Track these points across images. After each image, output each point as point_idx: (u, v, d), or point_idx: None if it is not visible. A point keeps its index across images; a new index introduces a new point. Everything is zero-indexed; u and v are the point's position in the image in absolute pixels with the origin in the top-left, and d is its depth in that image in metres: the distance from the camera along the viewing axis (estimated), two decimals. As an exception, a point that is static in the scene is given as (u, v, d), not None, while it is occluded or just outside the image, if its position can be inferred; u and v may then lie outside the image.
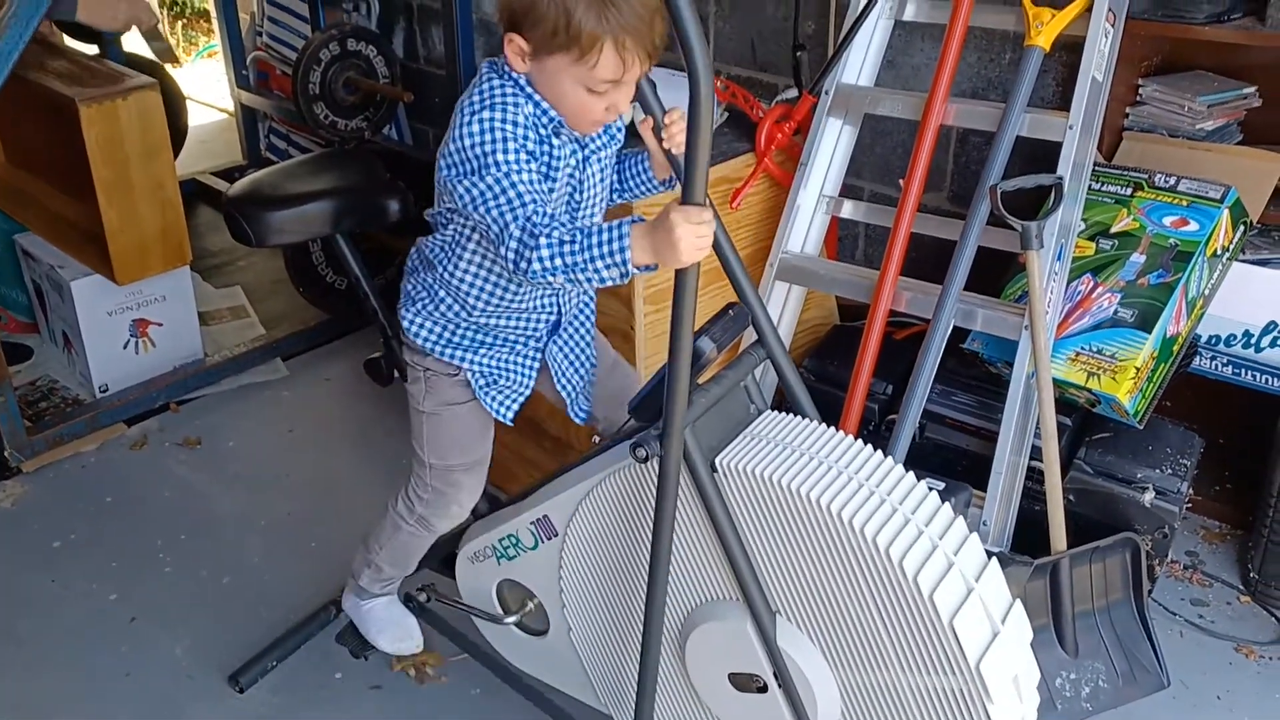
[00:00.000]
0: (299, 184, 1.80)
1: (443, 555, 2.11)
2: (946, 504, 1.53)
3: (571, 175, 1.62)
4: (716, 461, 1.54)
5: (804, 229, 2.43)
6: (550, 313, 1.76)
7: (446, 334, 1.76)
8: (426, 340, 1.77)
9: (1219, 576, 2.43)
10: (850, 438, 1.58)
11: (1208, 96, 2.33)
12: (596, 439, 1.76)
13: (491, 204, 1.47)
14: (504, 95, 1.50)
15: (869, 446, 1.58)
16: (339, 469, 2.90)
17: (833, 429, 1.61)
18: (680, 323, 1.40)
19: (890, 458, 1.56)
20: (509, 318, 1.72)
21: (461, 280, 1.68)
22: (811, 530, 1.49)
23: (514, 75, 1.53)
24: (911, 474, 1.55)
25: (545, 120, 1.54)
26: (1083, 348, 2.16)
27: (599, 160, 1.67)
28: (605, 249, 1.40)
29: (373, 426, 3.05)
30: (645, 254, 1.38)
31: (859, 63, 2.47)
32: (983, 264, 2.28)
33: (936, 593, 1.43)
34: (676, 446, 1.47)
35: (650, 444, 1.48)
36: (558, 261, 1.42)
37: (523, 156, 1.48)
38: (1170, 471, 2.19)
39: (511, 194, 1.46)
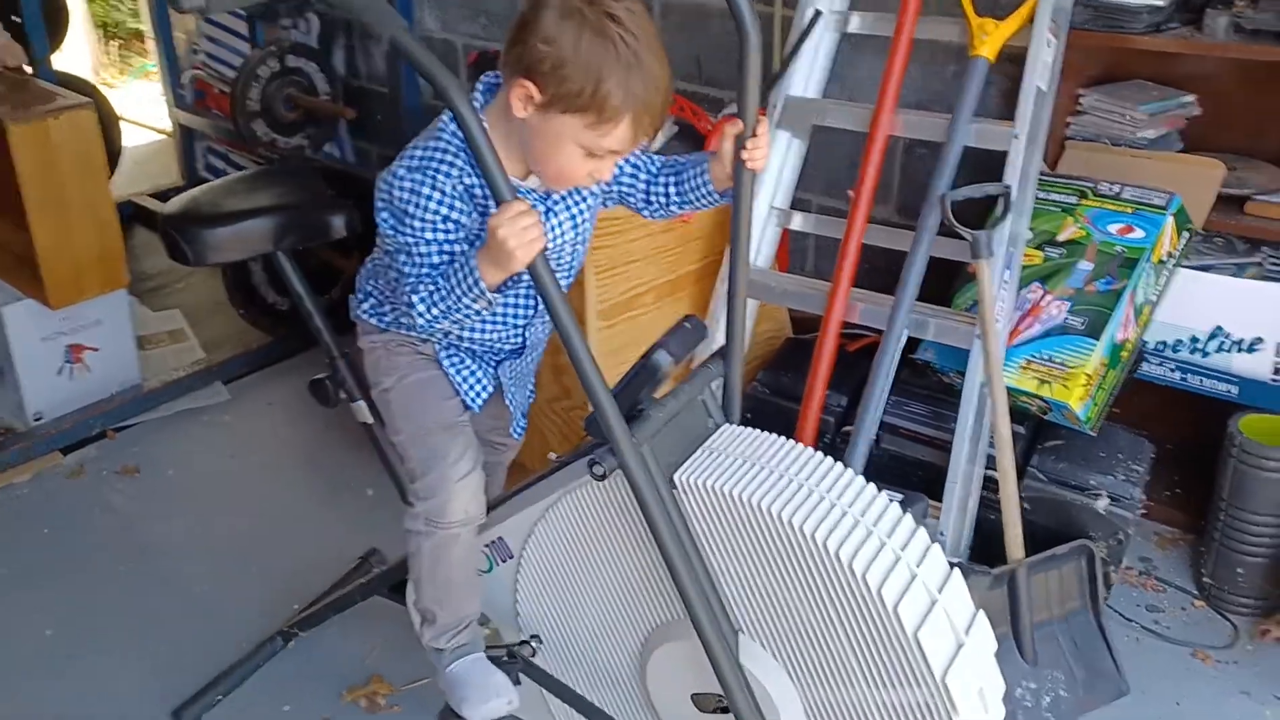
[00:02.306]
0: (238, 200, 1.74)
1: (393, 581, 2.06)
2: (908, 515, 1.52)
3: None
4: (675, 478, 1.51)
5: (755, 242, 2.42)
6: (515, 344, 1.73)
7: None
8: (386, 320, 1.70)
9: (1172, 582, 2.44)
10: (811, 451, 1.56)
11: (1148, 105, 2.36)
12: (552, 456, 1.73)
13: (402, 256, 1.53)
14: (439, 162, 1.50)
15: (829, 459, 1.56)
16: (283, 494, 2.83)
17: (792, 442, 1.59)
18: (562, 324, 1.38)
19: (850, 470, 1.54)
20: (472, 339, 1.70)
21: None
22: (773, 545, 1.47)
23: (459, 137, 1.50)
24: (872, 486, 1.53)
25: (480, 193, 1.52)
26: (1034, 355, 2.16)
27: (568, 212, 1.64)
28: (463, 284, 1.45)
29: (317, 451, 2.99)
30: (493, 271, 1.42)
31: (805, 75, 2.47)
32: (929, 274, 2.28)
33: (901, 605, 1.41)
34: (634, 461, 1.44)
35: (607, 460, 1.45)
36: (435, 310, 1.49)
37: (438, 221, 1.50)
38: (1124, 478, 2.20)
39: (416, 252, 1.51)
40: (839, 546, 1.42)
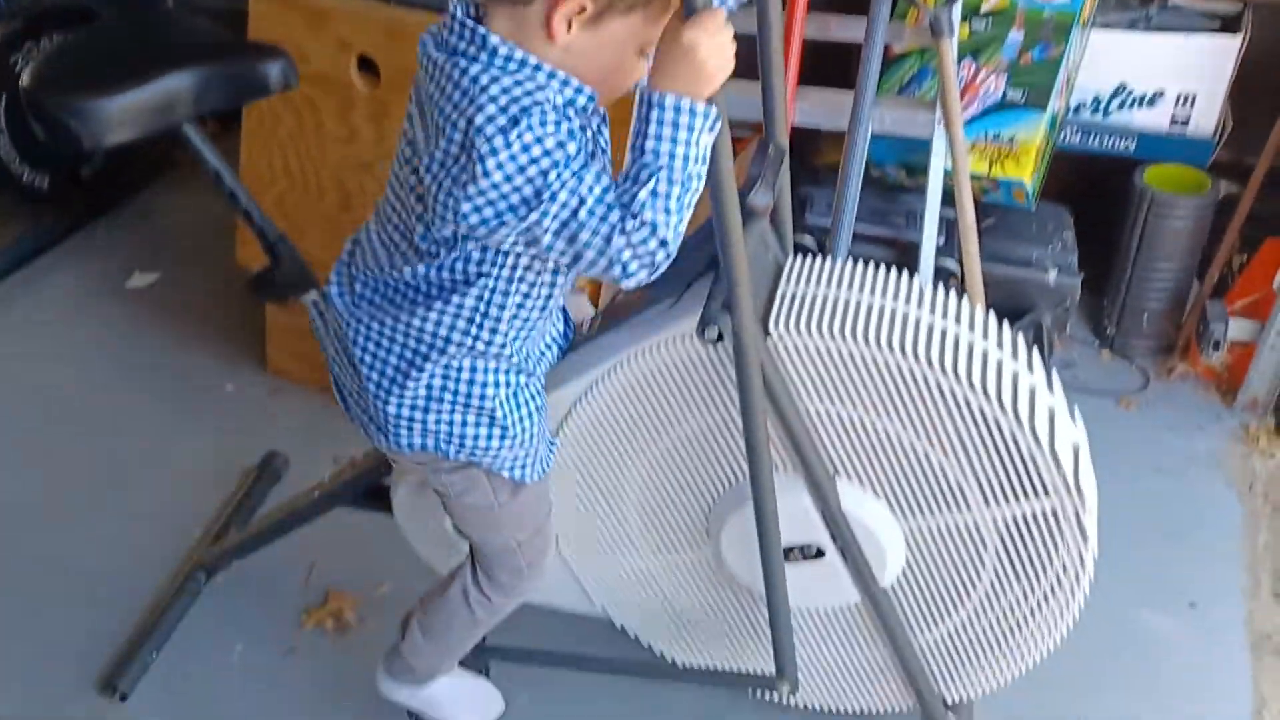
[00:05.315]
0: (135, 58, 1.32)
1: (362, 488, 1.78)
2: (1004, 324, 1.44)
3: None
4: (770, 327, 1.35)
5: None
6: (559, 320, 1.46)
7: (492, 418, 1.33)
8: (482, 449, 1.34)
9: (1076, 336, 2.54)
10: (894, 273, 1.44)
11: None
12: (594, 314, 1.49)
13: (580, 224, 1.10)
14: (532, 89, 1.09)
15: (911, 278, 1.44)
16: (117, 408, 2.37)
17: (866, 266, 1.45)
18: (720, 172, 1.17)
19: (938, 286, 1.43)
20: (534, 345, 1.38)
21: (490, 311, 1.25)
22: (883, 380, 1.35)
23: (518, 56, 1.11)
24: (966, 299, 1.44)
25: (585, 99, 1.16)
26: (980, 135, 2.10)
27: None
28: (689, 145, 1.08)
29: (137, 349, 2.53)
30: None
31: None
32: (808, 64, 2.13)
33: (1035, 420, 1.34)
34: (750, 322, 1.26)
35: (722, 320, 1.25)
36: (673, 218, 1.10)
37: (576, 148, 1.10)
38: (1061, 247, 2.23)
39: (592, 196, 1.09)
40: (967, 370, 1.33)
